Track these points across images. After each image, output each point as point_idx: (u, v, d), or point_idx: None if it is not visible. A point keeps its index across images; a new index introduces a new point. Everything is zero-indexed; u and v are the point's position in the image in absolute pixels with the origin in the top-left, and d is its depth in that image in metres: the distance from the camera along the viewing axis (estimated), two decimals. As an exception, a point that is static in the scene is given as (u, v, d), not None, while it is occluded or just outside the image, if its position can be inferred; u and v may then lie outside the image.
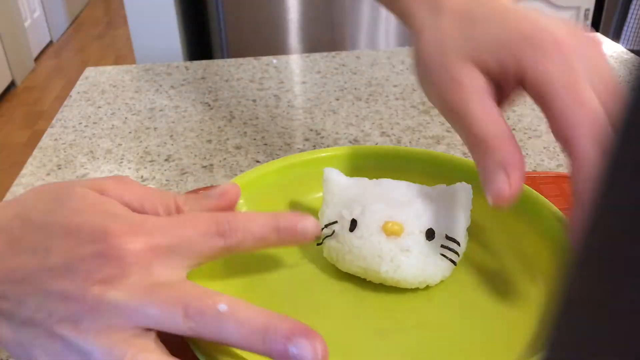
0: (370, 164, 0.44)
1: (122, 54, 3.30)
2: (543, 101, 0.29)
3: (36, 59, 3.18)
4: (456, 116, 0.31)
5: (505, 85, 0.32)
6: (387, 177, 0.38)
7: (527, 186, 0.38)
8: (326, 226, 0.36)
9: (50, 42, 3.42)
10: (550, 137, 0.61)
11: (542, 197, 0.37)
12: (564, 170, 0.55)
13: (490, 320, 0.34)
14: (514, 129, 0.63)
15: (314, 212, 0.39)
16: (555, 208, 0.37)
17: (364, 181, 0.38)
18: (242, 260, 0.37)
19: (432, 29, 0.33)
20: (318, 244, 0.37)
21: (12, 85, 2.89)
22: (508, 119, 0.65)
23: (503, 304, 0.35)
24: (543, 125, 0.63)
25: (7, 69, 2.79)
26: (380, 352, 0.32)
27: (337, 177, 0.38)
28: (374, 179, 0.38)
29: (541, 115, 0.65)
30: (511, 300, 0.35)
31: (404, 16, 0.36)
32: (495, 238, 0.39)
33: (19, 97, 2.83)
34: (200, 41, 1.55)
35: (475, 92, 0.31)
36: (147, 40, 1.35)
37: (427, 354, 0.32)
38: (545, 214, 0.37)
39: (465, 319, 0.34)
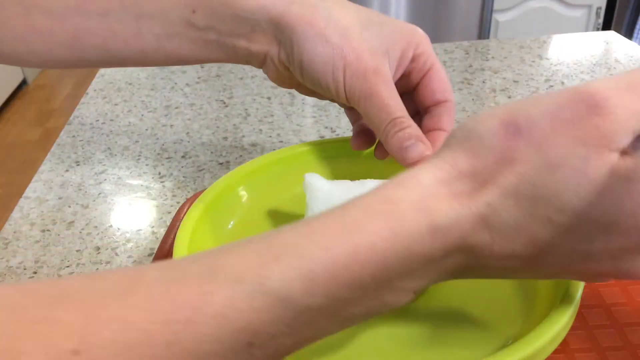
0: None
1: (132, 53, 3.32)
2: (429, 67, 0.41)
3: (47, 58, 3.21)
4: (375, 99, 0.38)
5: (400, 68, 0.41)
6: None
7: None
8: None
9: (61, 40, 3.44)
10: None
11: None
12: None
13: (489, 301, 0.35)
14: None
15: None
16: None
17: (347, 184, 0.37)
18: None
19: (335, 33, 0.38)
20: None
21: (23, 83, 2.91)
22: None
23: (496, 284, 0.36)
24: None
25: (19, 68, 2.81)
26: (389, 346, 0.33)
27: (319, 183, 0.37)
28: (357, 181, 0.37)
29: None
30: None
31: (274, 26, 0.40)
32: None
33: (31, 95, 2.86)
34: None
35: (389, 80, 0.39)
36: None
37: (433, 342, 0.33)
38: None
39: (462, 305, 0.35)
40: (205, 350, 0.21)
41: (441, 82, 0.41)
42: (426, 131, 0.40)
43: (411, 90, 0.42)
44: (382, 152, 0.42)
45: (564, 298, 0.31)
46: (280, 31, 0.39)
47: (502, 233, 0.25)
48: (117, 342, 0.20)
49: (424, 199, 0.24)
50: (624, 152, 0.24)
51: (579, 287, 0.31)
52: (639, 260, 0.26)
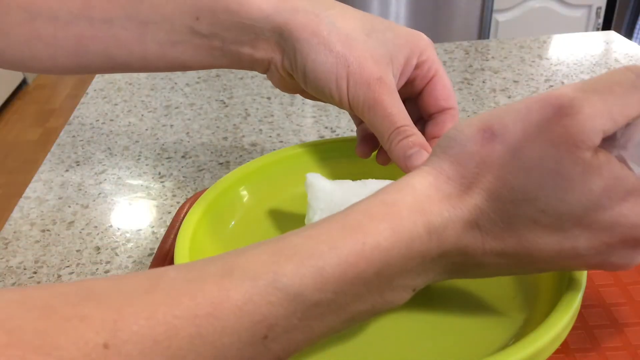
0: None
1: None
2: (433, 74, 0.40)
3: (47, 58, 3.20)
4: (379, 109, 0.38)
5: (404, 75, 0.41)
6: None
7: None
8: None
9: (61, 40, 3.44)
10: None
11: None
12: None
13: (490, 301, 0.35)
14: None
15: None
16: None
17: (349, 184, 0.37)
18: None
19: (339, 40, 0.38)
20: None
21: (23, 83, 2.91)
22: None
23: (498, 284, 0.36)
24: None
25: (19, 67, 2.81)
26: (391, 344, 0.33)
27: (321, 183, 0.37)
28: (358, 181, 0.37)
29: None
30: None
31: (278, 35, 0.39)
32: None
33: (31, 95, 2.86)
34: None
35: (393, 88, 0.38)
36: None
37: (434, 340, 0.33)
38: None
39: (463, 305, 0.35)
40: (225, 343, 0.22)
41: (445, 89, 0.41)
42: (430, 138, 0.40)
43: (415, 96, 0.42)
44: (384, 157, 0.42)
45: (566, 298, 0.31)
46: (284, 40, 0.39)
47: (492, 233, 0.26)
48: (144, 336, 0.21)
49: (419, 202, 0.26)
50: (596, 151, 0.25)
51: (581, 288, 0.31)
52: (624, 254, 0.27)
